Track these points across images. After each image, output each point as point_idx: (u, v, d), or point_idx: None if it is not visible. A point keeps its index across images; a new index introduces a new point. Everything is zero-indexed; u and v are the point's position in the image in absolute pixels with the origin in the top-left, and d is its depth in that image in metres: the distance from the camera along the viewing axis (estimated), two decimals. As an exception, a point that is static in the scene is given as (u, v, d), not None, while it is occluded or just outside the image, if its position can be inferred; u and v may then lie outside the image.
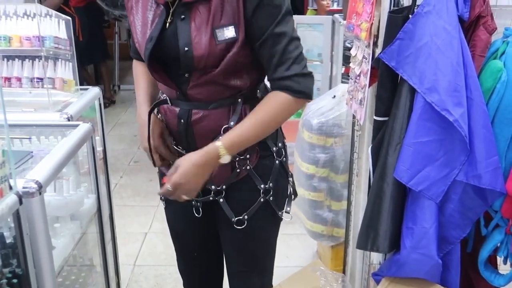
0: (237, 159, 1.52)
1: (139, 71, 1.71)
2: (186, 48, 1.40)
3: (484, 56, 1.61)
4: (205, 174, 1.44)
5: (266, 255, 1.72)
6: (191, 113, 1.50)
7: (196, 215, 1.65)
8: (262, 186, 1.56)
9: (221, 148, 1.41)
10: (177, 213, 1.75)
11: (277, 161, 1.59)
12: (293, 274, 1.87)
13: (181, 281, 1.89)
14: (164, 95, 1.57)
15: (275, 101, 1.44)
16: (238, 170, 1.54)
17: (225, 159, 1.41)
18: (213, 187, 1.56)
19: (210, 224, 1.70)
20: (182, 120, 1.52)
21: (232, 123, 1.48)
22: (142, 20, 1.49)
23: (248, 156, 1.53)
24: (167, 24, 1.44)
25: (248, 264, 1.70)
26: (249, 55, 1.45)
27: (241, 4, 1.38)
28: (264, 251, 1.71)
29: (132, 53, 1.72)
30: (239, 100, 1.49)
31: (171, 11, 1.43)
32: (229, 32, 1.39)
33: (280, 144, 1.61)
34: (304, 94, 1.44)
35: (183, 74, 1.46)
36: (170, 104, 1.55)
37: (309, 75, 1.45)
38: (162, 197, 1.72)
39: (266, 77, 1.51)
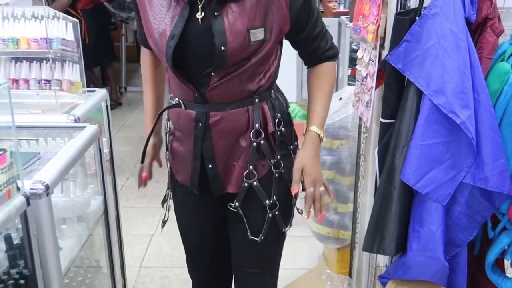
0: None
1: (148, 67, 1.71)
2: (222, 47, 1.37)
3: (491, 58, 1.61)
4: (319, 158, 1.59)
5: (279, 254, 1.75)
6: (209, 115, 1.49)
7: (207, 218, 1.67)
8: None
9: (318, 131, 1.56)
10: (189, 217, 1.76)
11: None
12: (299, 277, 1.86)
13: (187, 282, 1.89)
14: (177, 99, 1.54)
15: (328, 72, 1.61)
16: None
17: (323, 136, 1.59)
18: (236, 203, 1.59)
19: (222, 227, 1.72)
20: (199, 123, 1.50)
21: (257, 125, 1.50)
22: (158, 16, 1.45)
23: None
24: (199, 21, 1.41)
25: (261, 265, 1.72)
26: (272, 54, 1.49)
27: (283, 4, 1.42)
28: (277, 251, 1.74)
29: (140, 40, 1.66)
30: (256, 100, 1.50)
31: (199, 7, 1.40)
32: (260, 34, 1.41)
33: (296, 143, 1.66)
34: (337, 55, 1.64)
35: (206, 75, 1.44)
36: (184, 108, 1.53)
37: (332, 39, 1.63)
38: (166, 206, 1.77)
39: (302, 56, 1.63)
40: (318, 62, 1.59)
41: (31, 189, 1.38)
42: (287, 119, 1.61)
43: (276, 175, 1.58)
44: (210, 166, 1.55)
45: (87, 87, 2.30)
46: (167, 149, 1.71)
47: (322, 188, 1.57)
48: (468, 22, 1.56)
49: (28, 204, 1.33)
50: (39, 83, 2.21)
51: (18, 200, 1.30)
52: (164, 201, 1.79)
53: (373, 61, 1.83)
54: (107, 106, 2.31)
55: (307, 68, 1.63)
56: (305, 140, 1.57)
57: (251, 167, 1.54)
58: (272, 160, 1.56)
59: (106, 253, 2.13)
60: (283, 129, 1.57)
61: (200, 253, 1.82)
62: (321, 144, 1.59)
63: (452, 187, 1.57)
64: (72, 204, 1.82)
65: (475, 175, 1.55)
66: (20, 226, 1.37)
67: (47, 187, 1.41)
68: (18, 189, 1.32)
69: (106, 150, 2.19)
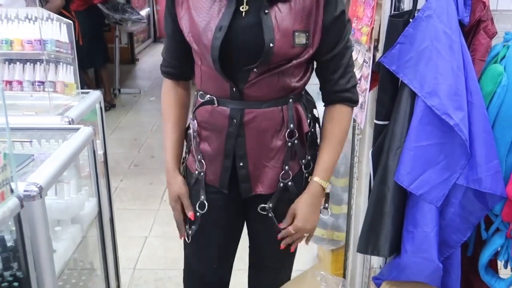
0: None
1: (172, 103, 1.67)
2: (271, 44, 1.39)
3: (485, 60, 1.61)
4: (318, 211, 1.60)
5: (295, 250, 1.76)
6: (244, 112, 1.48)
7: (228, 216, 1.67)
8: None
9: (322, 182, 1.55)
10: (219, 216, 1.68)
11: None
12: (293, 279, 1.86)
13: (181, 285, 1.88)
14: (208, 96, 1.52)
15: (342, 117, 1.57)
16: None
17: (328, 188, 1.57)
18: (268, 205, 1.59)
19: (241, 228, 1.74)
20: (234, 120, 1.49)
21: (291, 125, 1.51)
22: (202, 10, 1.45)
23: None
24: (243, 14, 1.41)
25: (282, 261, 1.77)
26: (309, 60, 1.51)
27: (321, 14, 1.42)
28: (296, 248, 1.75)
29: (164, 68, 1.65)
30: (290, 100, 1.51)
31: (245, 1, 1.41)
32: (303, 38, 1.43)
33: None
34: (357, 102, 1.59)
35: (246, 70, 1.43)
36: (216, 105, 1.51)
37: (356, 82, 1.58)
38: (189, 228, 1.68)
39: (321, 87, 1.59)
40: (334, 101, 1.56)
41: (24, 191, 1.37)
42: (316, 120, 1.64)
43: (306, 175, 1.60)
44: (241, 164, 1.54)
45: (81, 88, 2.29)
46: (189, 152, 1.66)
47: (305, 235, 1.61)
48: (461, 24, 1.57)
49: (22, 206, 1.33)
50: (32, 84, 2.21)
51: (11, 202, 1.29)
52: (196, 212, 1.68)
53: (367, 63, 1.83)
54: (101, 108, 2.30)
55: (324, 106, 1.62)
56: (308, 187, 1.57)
57: (286, 167, 1.55)
58: (303, 160, 1.58)
59: (100, 255, 2.13)
60: (313, 129, 1.61)
61: (224, 253, 1.78)
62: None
63: (446, 189, 1.58)
64: (66, 206, 1.81)
65: (469, 176, 1.56)
66: (13, 228, 1.36)
67: (41, 189, 1.40)
68: (12, 191, 1.31)
69: (100, 152, 2.18)
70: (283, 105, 1.50)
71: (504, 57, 1.57)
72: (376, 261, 1.92)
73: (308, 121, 1.58)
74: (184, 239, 1.70)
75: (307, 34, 1.42)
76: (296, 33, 1.41)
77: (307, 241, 1.65)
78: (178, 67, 1.64)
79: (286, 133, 1.52)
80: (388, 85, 1.67)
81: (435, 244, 1.61)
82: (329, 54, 1.48)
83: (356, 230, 2.12)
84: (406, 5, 1.65)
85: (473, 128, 1.53)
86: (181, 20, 1.50)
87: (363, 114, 1.86)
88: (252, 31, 1.40)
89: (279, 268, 1.78)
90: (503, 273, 1.79)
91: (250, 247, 1.79)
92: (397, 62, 1.59)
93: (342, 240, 2.57)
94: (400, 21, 1.61)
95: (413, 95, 1.58)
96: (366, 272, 2.04)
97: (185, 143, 1.68)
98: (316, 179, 1.55)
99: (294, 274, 1.90)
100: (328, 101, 1.58)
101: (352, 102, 1.56)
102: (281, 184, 1.56)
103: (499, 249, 1.70)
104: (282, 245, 1.59)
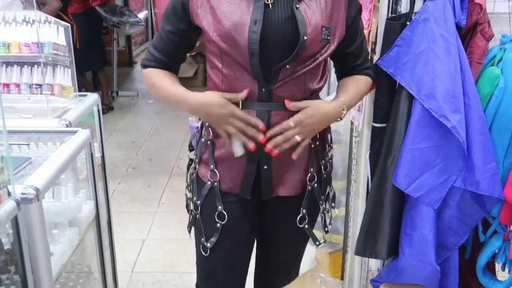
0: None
1: (162, 78, 1.55)
2: (305, 37, 1.41)
3: (482, 63, 1.62)
4: (325, 124, 1.55)
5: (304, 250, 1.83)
6: (271, 114, 1.47)
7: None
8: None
9: (345, 104, 1.53)
10: (239, 224, 1.65)
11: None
12: (293, 280, 1.86)
13: (178, 287, 1.87)
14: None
15: (365, 80, 1.62)
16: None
17: (345, 113, 1.54)
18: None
19: (256, 231, 1.74)
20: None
21: None
22: (228, 8, 1.43)
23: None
24: (270, 6, 1.42)
25: (294, 261, 1.82)
26: (327, 59, 1.55)
27: (344, 11, 1.49)
28: (305, 249, 1.82)
29: (148, 62, 1.57)
30: None
31: None
32: (328, 34, 1.47)
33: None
34: (373, 78, 1.66)
35: (276, 70, 1.43)
36: (240, 108, 1.46)
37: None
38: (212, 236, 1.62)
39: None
40: (358, 73, 1.63)
41: (22, 194, 1.37)
42: None
43: (325, 175, 1.64)
44: (265, 167, 1.53)
45: (79, 91, 2.29)
46: (199, 162, 1.62)
47: (297, 138, 1.46)
48: (458, 27, 1.57)
49: (19, 209, 1.33)
50: (30, 87, 2.21)
51: (9, 205, 1.29)
52: (193, 223, 1.67)
53: (364, 66, 1.83)
54: (98, 110, 2.30)
55: (341, 79, 1.67)
56: (330, 101, 1.56)
57: (311, 169, 1.58)
58: (323, 161, 1.62)
59: (97, 258, 2.13)
60: (330, 131, 1.67)
61: (246, 262, 1.75)
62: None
63: (443, 191, 1.58)
64: (63, 209, 1.81)
65: (466, 178, 1.56)
66: (11, 231, 1.36)
67: (38, 192, 1.40)
68: (9, 194, 1.31)
69: (97, 154, 2.18)
70: None
71: (501, 59, 1.58)
72: (374, 264, 1.91)
73: None
74: (200, 253, 1.65)
75: (329, 30, 1.46)
76: (324, 28, 1.44)
77: (295, 152, 1.50)
78: (165, 64, 1.57)
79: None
80: (386, 88, 1.67)
81: (433, 247, 1.61)
82: (353, 45, 1.57)
83: (354, 232, 2.12)
84: (403, 8, 1.65)
85: (470, 130, 1.54)
86: (202, 21, 1.46)
87: (361, 116, 1.86)
88: (285, 24, 1.43)
89: (292, 267, 1.82)
90: (501, 275, 1.79)
91: (262, 250, 1.80)
92: (395, 64, 1.59)
93: (340, 242, 2.57)
94: (397, 24, 1.61)
95: (411, 98, 1.58)
96: (364, 275, 2.04)
97: (194, 153, 1.65)
98: (342, 98, 1.55)
99: (292, 276, 1.91)
100: (349, 74, 1.63)
101: (372, 78, 1.63)
102: (309, 187, 1.59)
103: (496, 251, 1.70)
104: (268, 146, 1.45)
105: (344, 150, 2.48)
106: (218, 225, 1.58)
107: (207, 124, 1.58)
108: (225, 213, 1.57)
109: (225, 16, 1.43)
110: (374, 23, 1.75)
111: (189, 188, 1.69)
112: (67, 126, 1.97)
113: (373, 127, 1.73)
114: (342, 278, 2.46)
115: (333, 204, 1.74)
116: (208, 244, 1.61)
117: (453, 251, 1.67)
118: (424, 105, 1.54)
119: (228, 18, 1.43)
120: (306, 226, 1.63)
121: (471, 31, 1.62)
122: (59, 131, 1.93)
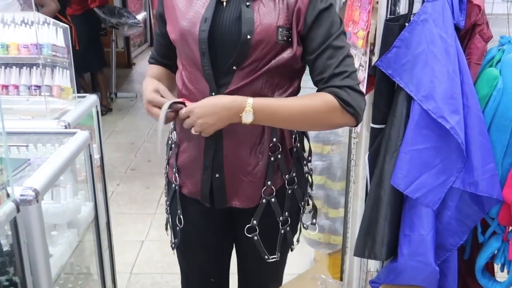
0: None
1: (150, 72, 1.62)
2: (248, 36, 1.34)
3: (480, 64, 1.62)
4: (221, 119, 1.35)
5: (283, 264, 1.77)
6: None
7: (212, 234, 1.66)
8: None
9: (248, 103, 1.33)
10: (200, 230, 1.66)
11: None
12: (292, 280, 1.86)
13: (177, 289, 1.88)
14: (188, 102, 1.41)
15: (322, 98, 1.36)
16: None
17: (248, 116, 1.33)
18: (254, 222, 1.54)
19: (228, 239, 1.71)
20: None
21: (274, 139, 1.47)
22: (186, 5, 1.42)
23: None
24: (224, 4, 1.39)
25: (268, 276, 1.75)
26: (294, 70, 1.44)
27: (304, 9, 1.36)
28: (283, 263, 1.75)
29: (152, 59, 1.69)
30: None
31: None
32: (286, 36, 1.37)
33: (309, 158, 1.66)
34: (352, 108, 1.36)
35: (228, 73, 1.39)
36: None
37: (362, 94, 1.40)
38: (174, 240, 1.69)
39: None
40: (320, 90, 1.41)
41: (21, 195, 1.37)
42: (302, 135, 1.60)
43: (289, 191, 1.55)
44: (217, 175, 1.50)
45: (77, 93, 2.29)
46: (168, 164, 1.65)
47: (193, 131, 1.36)
48: (457, 28, 1.58)
49: (18, 210, 1.33)
50: (29, 89, 2.20)
51: (7, 206, 1.29)
52: (167, 222, 1.73)
53: (363, 67, 1.84)
54: (97, 112, 2.30)
55: None
56: (232, 95, 1.39)
57: (269, 182, 1.50)
58: (287, 176, 1.53)
59: (96, 259, 2.12)
60: (298, 144, 1.56)
61: (219, 264, 1.78)
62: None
63: (442, 192, 1.58)
64: (62, 210, 1.80)
65: (465, 179, 1.57)
66: (9, 232, 1.36)
67: (37, 193, 1.40)
68: (8, 195, 1.31)
69: (96, 156, 2.18)
70: None
71: (499, 60, 1.58)
72: (373, 265, 1.92)
73: (294, 136, 1.54)
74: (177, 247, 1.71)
75: (290, 31, 1.37)
76: (280, 29, 1.36)
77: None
78: (160, 62, 1.67)
79: (269, 147, 1.47)
80: (384, 89, 1.67)
81: (432, 248, 1.61)
82: (316, 52, 1.37)
83: (353, 233, 2.12)
84: (402, 9, 1.66)
85: (469, 131, 1.54)
86: (168, 23, 1.50)
87: (360, 117, 1.86)
88: (233, 24, 1.38)
89: (269, 282, 1.77)
90: (500, 276, 1.79)
91: (238, 266, 1.78)
92: (393, 66, 1.59)
93: (339, 244, 2.57)
94: (396, 25, 1.61)
95: (409, 99, 1.59)
96: (363, 276, 2.04)
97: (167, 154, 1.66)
98: (248, 98, 1.35)
99: (290, 278, 1.90)
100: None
101: (341, 99, 1.35)
102: (264, 200, 1.52)
103: (495, 252, 1.70)
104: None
105: (343, 151, 2.48)
106: (177, 228, 1.64)
107: (173, 126, 1.59)
108: (182, 217, 1.61)
109: (182, 14, 1.42)
110: (372, 24, 1.75)
111: (165, 187, 1.73)
112: (66, 128, 1.96)
113: (372, 128, 1.73)
114: (341, 279, 2.46)
115: (314, 221, 1.67)
116: (173, 245, 1.69)
117: (452, 252, 1.67)
118: (423, 106, 1.54)
119: (183, 16, 1.42)
120: (256, 238, 1.55)
121: (470, 32, 1.62)
122: (58, 133, 1.93)
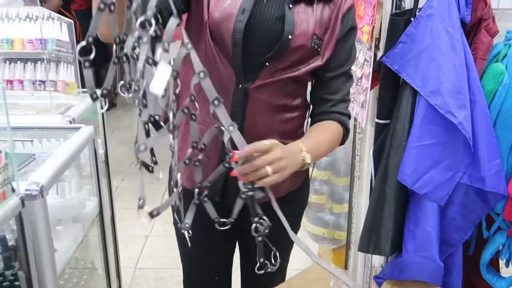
0: None
1: None
2: (290, 36, 1.35)
3: (486, 59, 1.61)
4: (291, 165, 1.23)
5: (288, 258, 1.78)
6: (246, 115, 1.39)
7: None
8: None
9: (300, 146, 1.28)
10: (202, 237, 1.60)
11: None
12: (303, 271, 1.85)
13: (182, 284, 1.88)
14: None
15: (336, 129, 1.42)
16: None
17: (307, 158, 1.27)
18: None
19: (233, 236, 1.70)
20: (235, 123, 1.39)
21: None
22: None
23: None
24: (265, 1, 1.38)
25: (273, 273, 1.73)
26: (308, 79, 1.46)
27: (338, 26, 1.39)
28: (288, 256, 1.76)
29: None
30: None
31: None
32: (317, 45, 1.39)
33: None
34: (348, 135, 1.46)
35: (257, 67, 1.38)
36: (212, 101, 1.38)
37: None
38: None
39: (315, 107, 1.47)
40: (330, 118, 1.43)
41: (26, 190, 1.37)
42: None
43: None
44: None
45: (82, 87, 2.29)
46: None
47: (270, 171, 1.14)
48: (463, 23, 1.57)
49: (23, 205, 1.33)
50: (33, 84, 2.21)
51: (13, 201, 1.29)
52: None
53: (368, 62, 1.83)
54: (102, 107, 2.30)
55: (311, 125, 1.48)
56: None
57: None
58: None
59: (101, 254, 2.13)
60: None
61: (223, 261, 1.77)
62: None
63: (450, 188, 1.58)
64: (67, 205, 1.81)
65: (472, 175, 1.56)
66: (15, 227, 1.36)
67: (42, 188, 1.40)
68: (13, 190, 1.31)
69: (101, 151, 2.18)
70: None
71: (505, 55, 1.57)
72: (378, 260, 1.91)
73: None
74: (180, 244, 1.68)
75: (320, 41, 1.39)
76: (314, 36, 1.38)
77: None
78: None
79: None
80: (390, 84, 1.67)
81: (437, 243, 1.60)
82: (337, 70, 1.42)
83: (357, 229, 2.12)
84: (407, 3, 1.65)
85: (475, 126, 1.53)
86: (194, 13, 1.43)
87: (364, 112, 1.86)
88: (274, 21, 1.38)
89: (275, 275, 1.76)
90: (505, 271, 1.79)
91: (242, 262, 1.77)
92: (399, 61, 1.59)
93: (343, 239, 2.57)
94: (401, 20, 1.61)
95: (415, 94, 1.58)
96: (368, 271, 2.04)
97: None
98: (298, 142, 1.30)
99: (294, 273, 1.90)
100: (322, 118, 1.43)
101: (347, 129, 1.43)
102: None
103: (500, 248, 1.70)
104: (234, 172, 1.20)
105: (347, 147, 2.47)
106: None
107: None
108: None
109: (220, 3, 1.39)
110: (378, 19, 1.74)
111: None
112: (71, 123, 1.97)
113: (377, 123, 1.73)
114: (345, 274, 2.46)
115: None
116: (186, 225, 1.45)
117: (457, 248, 1.67)
118: (430, 101, 1.53)
119: (220, 3, 1.39)
120: (260, 238, 1.35)
121: (476, 27, 1.61)
122: (63, 128, 1.93)
